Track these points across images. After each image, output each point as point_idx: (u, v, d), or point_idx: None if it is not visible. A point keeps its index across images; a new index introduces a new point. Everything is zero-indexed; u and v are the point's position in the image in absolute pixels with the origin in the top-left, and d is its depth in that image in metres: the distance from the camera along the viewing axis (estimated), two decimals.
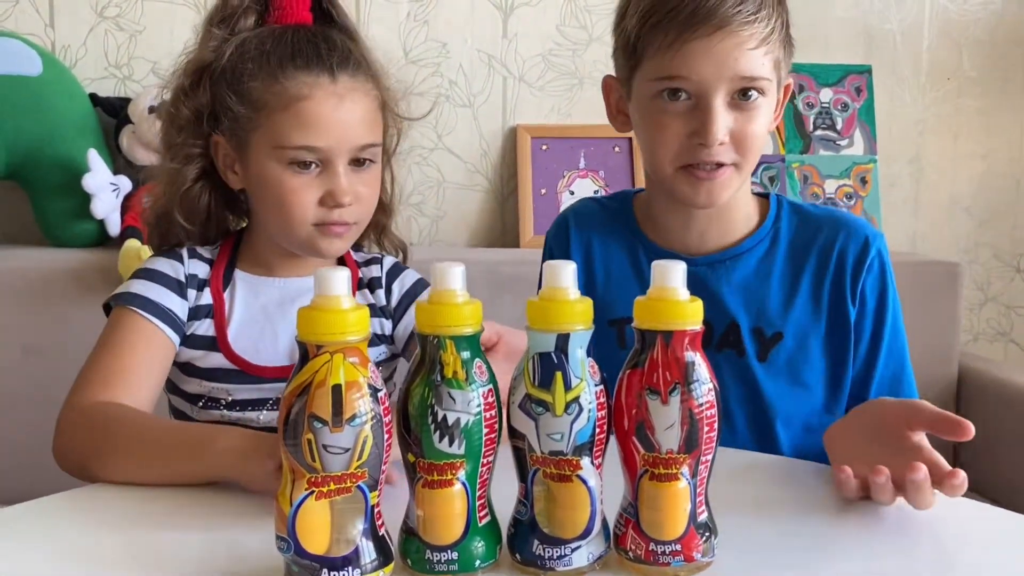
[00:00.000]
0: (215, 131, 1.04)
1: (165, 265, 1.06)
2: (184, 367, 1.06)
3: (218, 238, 1.11)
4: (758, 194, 1.13)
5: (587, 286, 1.12)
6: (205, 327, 1.06)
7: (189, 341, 1.05)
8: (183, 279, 1.06)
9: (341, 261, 1.13)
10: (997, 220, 2.14)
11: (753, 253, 1.08)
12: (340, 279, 0.64)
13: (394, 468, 0.77)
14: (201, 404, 1.06)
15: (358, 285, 1.13)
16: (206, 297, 1.07)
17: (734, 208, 1.08)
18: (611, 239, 1.13)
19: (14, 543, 0.75)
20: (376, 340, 1.12)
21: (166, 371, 1.04)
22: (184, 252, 1.08)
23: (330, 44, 1.03)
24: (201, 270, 1.08)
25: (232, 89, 1.01)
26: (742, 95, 0.98)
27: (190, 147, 1.05)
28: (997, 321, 2.16)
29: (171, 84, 1.06)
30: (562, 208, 1.97)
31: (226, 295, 1.08)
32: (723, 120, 0.98)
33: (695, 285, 1.07)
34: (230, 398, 1.05)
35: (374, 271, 1.14)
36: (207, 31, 1.05)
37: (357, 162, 1.03)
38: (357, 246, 1.16)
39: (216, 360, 1.05)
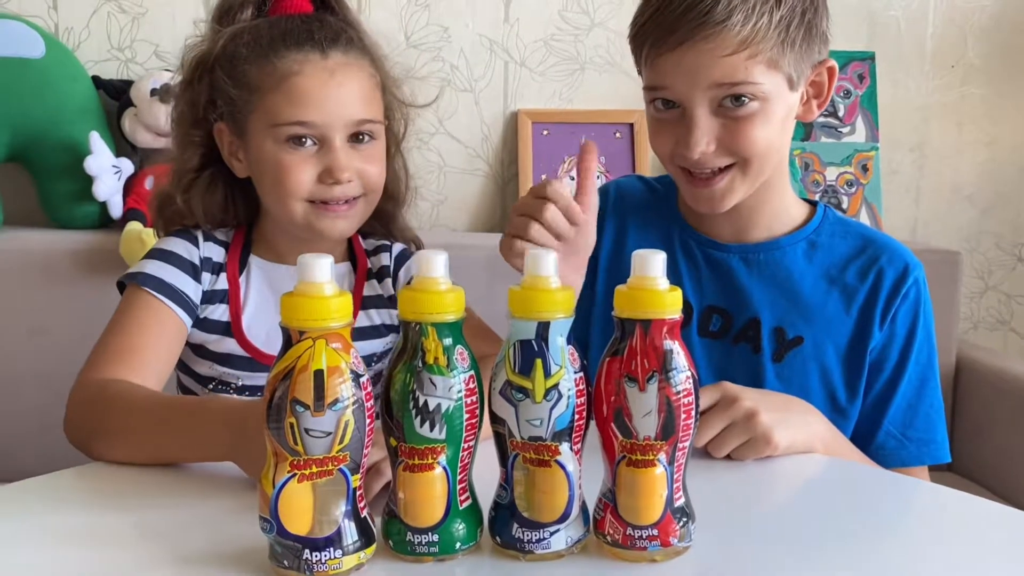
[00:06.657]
0: (217, 119, 1.05)
1: (180, 247, 1.06)
2: (196, 348, 1.07)
3: (226, 225, 1.10)
4: (807, 200, 1.12)
5: (615, 266, 1.11)
6: (220, 312, 1.06)
7: (203, 325, 1.06)
8: (197, 262, 1.05)
9: (350, 248, 1.13)
10: (1000, 209, 2.13)
11: (789, 252, 1.07)
12: (323, 266, 0.65)
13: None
14: (211, 387, 1.07)
15: (366, 275, 1.12)
16: (222, 282, 1.07)
17: (773, 205, 1.07)
18: (649, 221, 1.12)
19: (10, 521, 0.76)
20: (384, 331, 1.11)
21: (177, 352, 1.04)
22: (199, 234, 1.07)
23: (323, 25, 1.03)
24: (216, 253, 1.08)
25: (228, 75, 1.02)
26: (734, 100, 0.96)
27: (192, 135, 1.06)
28: (997, 310, 2.15)
29: (178, 79, 1.08)
30: None
31: (242, 280, 1.08)
32: (704, 130, 0.96)
33: (724, 275, 1.08)
34: (239, 383, 1.06)
35: (383, 259, 1.13)
36: (211, 29, 1.06)
37: (356, 138, 1.03)
38: (367, 234, 1.14)
39: (229, 346, 1.06)
